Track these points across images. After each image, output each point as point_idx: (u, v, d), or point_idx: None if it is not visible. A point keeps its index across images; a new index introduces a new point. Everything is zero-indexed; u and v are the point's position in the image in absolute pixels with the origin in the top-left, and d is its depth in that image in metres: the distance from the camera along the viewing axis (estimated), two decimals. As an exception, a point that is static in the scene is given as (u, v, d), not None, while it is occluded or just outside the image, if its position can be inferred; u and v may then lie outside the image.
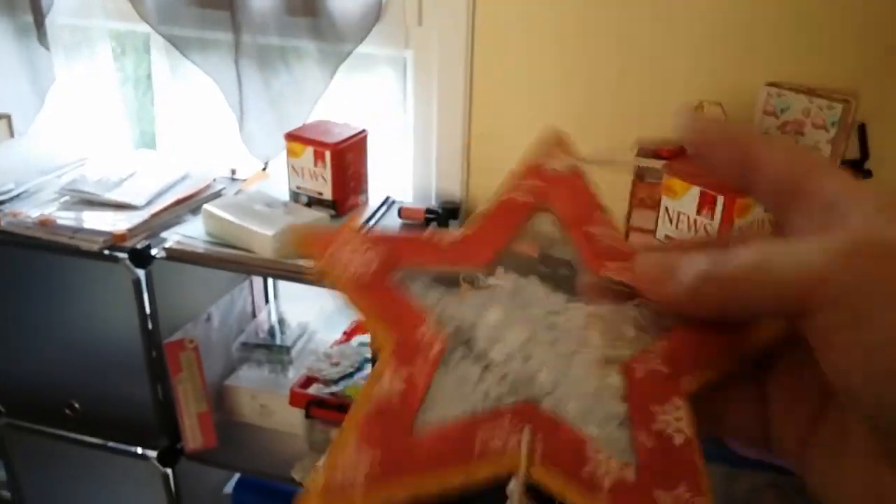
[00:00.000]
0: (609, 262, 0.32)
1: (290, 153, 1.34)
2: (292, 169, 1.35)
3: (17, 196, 1.38)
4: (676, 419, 0.28)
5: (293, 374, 1.45)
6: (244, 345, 1.50)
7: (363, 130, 1.37)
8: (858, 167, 1.19)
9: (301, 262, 1.22)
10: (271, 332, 1.54)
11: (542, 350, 0.30)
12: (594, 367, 0.30)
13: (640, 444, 0.27)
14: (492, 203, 0.35)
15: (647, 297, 0.29)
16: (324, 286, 0.32)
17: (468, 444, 0.28)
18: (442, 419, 0.28)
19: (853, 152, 1.21)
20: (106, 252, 1.26)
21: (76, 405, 1.45)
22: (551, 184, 0.35)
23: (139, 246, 1.25)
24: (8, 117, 1.54)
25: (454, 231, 0.33)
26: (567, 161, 0.35)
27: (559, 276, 0.33)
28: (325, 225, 0.37)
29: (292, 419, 1.40)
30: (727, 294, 0.25)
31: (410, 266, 0.32)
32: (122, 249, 1.26)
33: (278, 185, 1.41)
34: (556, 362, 0.30)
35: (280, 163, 1.41)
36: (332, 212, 1.32)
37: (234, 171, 1.52)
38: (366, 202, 1.41)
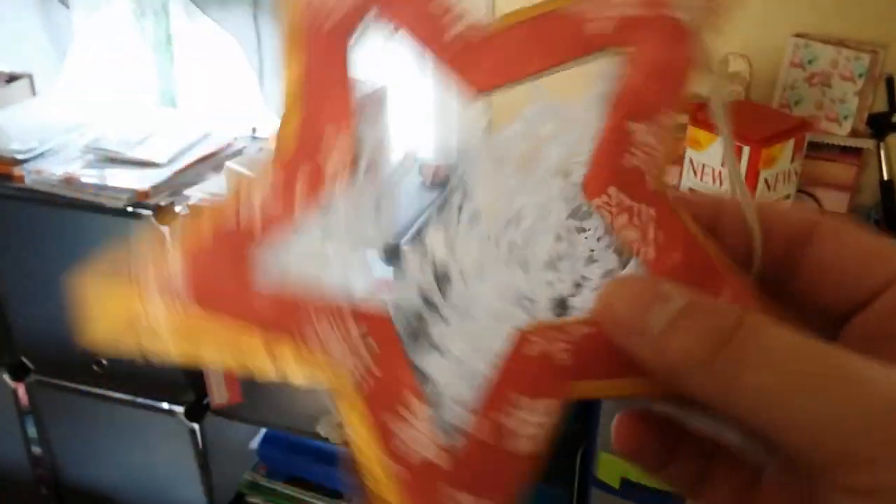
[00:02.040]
0: (616, 186, 0.24)
1: (311, 110, 1.34)
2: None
3: (41, 154, 1.38)
4: (538, 425, 0.22)
5: (316, 331, 1.47)
6: (267, 302, 1.51)
7: (382, 86, 1.36)
8: (886, 120, 1.17)
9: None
10: (294, 290, 1.56)
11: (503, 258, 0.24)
12: (499, 309, 0.23)
13: (476, 431, 0.22)
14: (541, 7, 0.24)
15: (616, 340, 0.21)
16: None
17: (297, 324, 0.22)
18: (285, 276, 0.23)
19: (881, 104, 1.19)
20: (130, 209, 1.27)
21: (104, 361, 1.47)
22: (642, 25, 0.23)
23: (163, 203, 1.26)
24: (30, 76, 1.55)
25: (479, 21, 0.24)
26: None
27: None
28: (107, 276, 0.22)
29: (316, 375, 1.42)
30: (719, 393, 0.20)
31: (392, 20, 0.24)
32: (146, 206, 1.26)
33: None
34: (473, 264, 0.23)
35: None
36: (354, 169, 1.32)
37: (254, 130, 1.52)
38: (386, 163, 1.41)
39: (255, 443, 1.57)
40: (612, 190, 0.23)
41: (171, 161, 1.35)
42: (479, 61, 0.24)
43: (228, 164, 1.29)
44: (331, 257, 0.24)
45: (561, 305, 0.24)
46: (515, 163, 0.25)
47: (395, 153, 1.20)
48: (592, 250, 0.24)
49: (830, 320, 0.23)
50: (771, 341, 0.19)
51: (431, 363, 0.23)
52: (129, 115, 1.50)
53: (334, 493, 1.52)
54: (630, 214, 0.23)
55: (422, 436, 0.22)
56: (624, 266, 0.24)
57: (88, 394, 1.47)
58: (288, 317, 0.22)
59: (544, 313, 0.23)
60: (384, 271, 0.26)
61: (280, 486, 1.53)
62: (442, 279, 0.24)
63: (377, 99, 1.35)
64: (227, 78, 1.57)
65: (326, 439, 1.34)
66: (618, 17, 0.24)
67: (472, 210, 0.24)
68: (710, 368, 0.19)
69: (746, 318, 0.20)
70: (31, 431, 1.59)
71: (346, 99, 0.24)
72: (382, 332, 0.23)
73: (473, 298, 0.23)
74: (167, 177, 1.31)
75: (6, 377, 1.51)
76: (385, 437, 0.22)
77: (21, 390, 1.54)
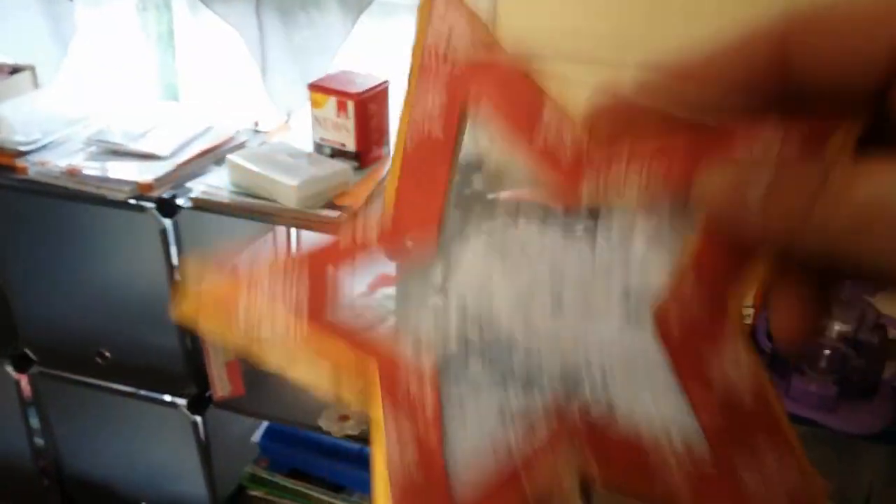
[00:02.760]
0: (587, 172, 0.24)
1: (314, 104, 1.33)
2: (315, 120, 1.34)
3: (44, 146, 1.38)
4: (734, 365, 0.23)
5: (318, 325, 1.47)
6: (269, 295, 1.51)
7: (385, 81, 1.36)
8: None
9: (326, 212, 1.22)
10: (296, 284, 1.56)
11: (549, 333, 0.24)
12: (619, 336, 0.24)
13: (705, 420, 0.23)
14: (398, 148, 0.26)
15: (718, 229, 0.22)
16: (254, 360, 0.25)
17: (520, 498, 0.23)
18: (477, 474, 0.24)
19: None
20: (133, 201, 1.27)
21: (107, 354, 1.48)
22: (471, 74, 0.25)
23: (165, 196, 1.26)
24: (32, 68, 1.54)
25: (375, 217, 0.26)
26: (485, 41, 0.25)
27: (527, 208, 0.25)
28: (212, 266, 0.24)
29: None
30: (826, 249, 0.20)
31: (346, 292, 0.26)
32: (148, 199, 1.27)
33: (301, 138, 1.41)
34: (570, 348, 0.24)
35: (303, 115, 1.41)
36: (356, 164, 1.32)
37: (257, 123, 1.51)
38: (388, 154, 1.41)
39: (256, 436, 1.58)
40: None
41: (173, 154, 1.35)
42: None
43: (230, 157, 1.29)
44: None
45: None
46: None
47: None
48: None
49: None
50: (858, 177, 0.20)
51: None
52: (131, 108, 1.50)
53: (336, 487, 1.52)
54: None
55: (669, 463, 0.22)
56: None
57: (91, 385, 1.48)
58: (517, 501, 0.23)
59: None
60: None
61: (281, 479, 1.54)
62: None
63: (381, 93, 1.35)
64: (229, 71, 1.57)
65: (328, 433, 1.34)
66: (445, 86, 0.25)
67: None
68: (809, 226, 0.20)
69: (830, 169, 0.20)
70: (34, 423, 1.59)
71: (378, 342, 0.25)
72: (575, 431, 0.23)
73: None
74: (169, 169, 1.31)
75: (9, 368, 1.51)
76: (646, 490, 0.23)
77: (24, 382, 1.55)
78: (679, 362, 0.23)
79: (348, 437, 1.34)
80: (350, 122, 1.31)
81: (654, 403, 0.23)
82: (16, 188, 1.33)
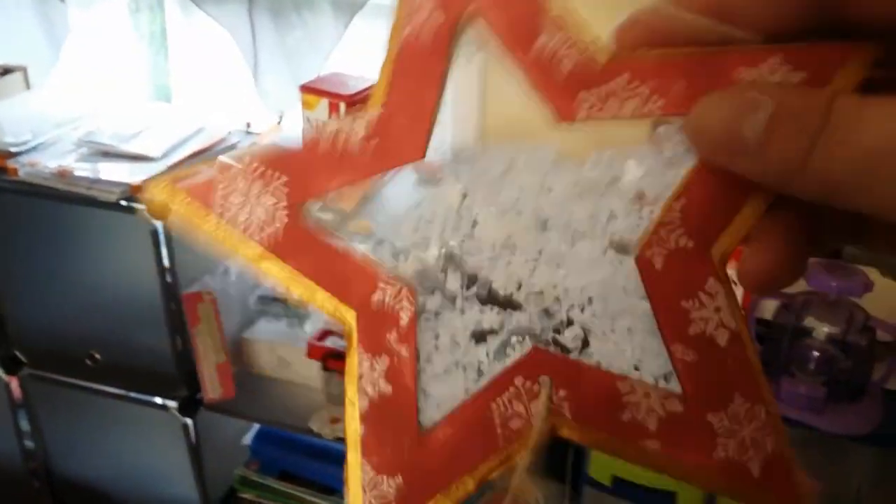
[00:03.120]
0: (584, 88, 0.24)
1: (305, 105, 1.33)
2: (307, 121, 1.34)
3: (35, 147, 1.38)
4: (716, 310, 0.22)
5: (310, 328, 1.47)
6: (262, 298, 1.51)
7: (378, 83, 1.36)
8: None
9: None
10: (288, 286, 1.56)
11: (531, 249, 0.24)
12: (599, 262, 0.23)
13: (679, 360, 0.23)
14: (390, 49, 0.25)
15: (713, 163, 0.21)
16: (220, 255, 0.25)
17: (489, 432, 0.23)
18: (448, 409, 0.24)
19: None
20: (123, 203, 1.26)
21: (97, 356, 1.47)
22: None
23: (156, 198, 1.26)
24: (24, 69, 1.54)
25: (361, 116, 0.25)
26: None
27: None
28: (190, 169, 0.24)
29: (309, 371, 1.42)
30: (823, 189, 0.20)
31: (325, 196, 0.25)
32: (139, 201, 1.26)
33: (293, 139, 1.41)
34: (550, 267, 0.24)
35: (294, 116, 1.41)
36: (348, 165, 1.32)
37: (248, 125, 1.51)
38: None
39: (247, 438, 1.57)
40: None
41: (164, 155, 1.35)
42: (394, 139, 0.24)
43: (222, 158, 1.29)
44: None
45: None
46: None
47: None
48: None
49: None
50: (864, 119, 0.19)
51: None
52: (123, 109, 1.50)
53: (327, 489, 1.52)
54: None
55: (641, 405, 0.22)
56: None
57: (81, 388, 1.47)
58: (486, 437, 0.23)
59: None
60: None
61: (272, 482, 1.53)
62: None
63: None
64: (221, 73, 1.57)
65: (319, 435, 1.34)
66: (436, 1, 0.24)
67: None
68: (808, 166, 0.19)
69: (835, 105, 0.19)
70: (24, 425, 1.59)
71: (353, 260, 0.25)
72: (550, 365, 0.23)
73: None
74: (161, 171, 1.30)
75: (-1, 371, 1.51)
76: (614, 431, 0.23)
77: (14, 384, 1.54)
78: (657, 295, 0.23)
79: (339, 439, 1.34)
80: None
81: (629, 335, 0.23)
82: (6, 189, 1.33)
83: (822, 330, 1.00)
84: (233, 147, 1.41)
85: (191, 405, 1.41)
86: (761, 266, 0.23)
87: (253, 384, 1.45)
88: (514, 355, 0.24)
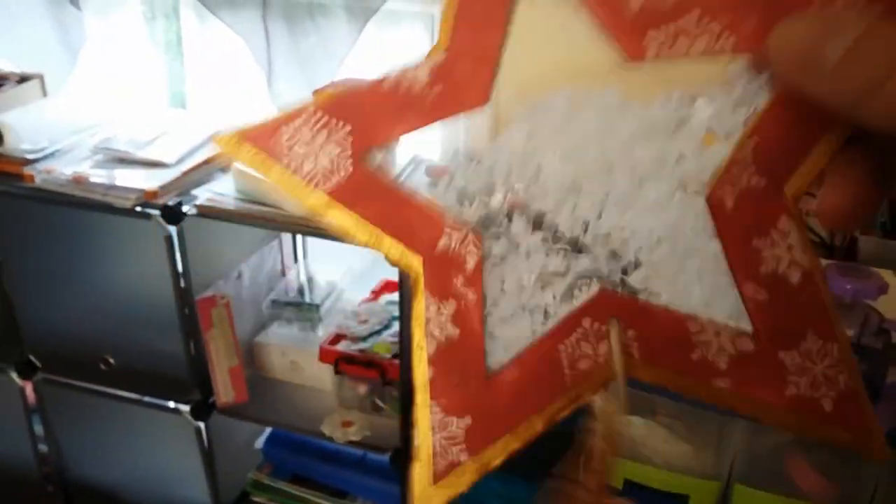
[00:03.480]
0: (653, 27, 0.23)
1: (319, 111, 1.35)
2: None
3: (51, 154, 1.39)
4: (788, 248, 0.22)
5: (322, 332, 1.47)
6: (274, 302, 1.51)
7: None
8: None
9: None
10: (301, 291, 1.56)
11: (597, 192, 0.24)
12: (668, 203, 0.23)
13: (751, 300, 0.22)
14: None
15: (788, 82, 0.21)
16: (290, 204, 0.25)
17: (557, 374, 0.23)
18: (515, 351, 0.24)
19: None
20: (138, 209, 1.27)
21: (111, 360, 1.48)
22: None
23: (171, 203, 1.27)
24: (41, 77, 1.56)
25: (424, 63, 0.25)
26: None
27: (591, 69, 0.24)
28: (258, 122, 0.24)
29: (322, 375, 1.42)
30: None
31: (390, 141, 0.25)
32: (154, 206, 1.27)
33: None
34: (617, 209, 0.23)
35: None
36: (361, 170, 1.33)
37: (262, 131, 1.53)
38: (393, 161, 1.41)
39: (260, 442, 1.58)
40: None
41: (179, 161, 1.36)
42: (458, 83, 0.24)
43: (236, 164, 1.30)
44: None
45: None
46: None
47: (403, 153, 1.19)
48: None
49: None
50: None
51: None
52: (138, 116, 1.51)
53: (339, 493, 1.52)
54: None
55: (712, 344, 0.22)
56: None
57: (95, 392, 1.48)
58: (554, 378, 0.23)
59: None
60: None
61: (285, 486, 1.54)
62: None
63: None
64: (236, 79, 1.58)
65: (331, 439, 1.34)
66: None
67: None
68: (884, 89, 0.19)
69: None
70: (38, 429, 1.59)
71: (420, 206, 0.24)
72: (619, 307, 0.23)
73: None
74: (176, 176, 1.32)
75: (13, 375, 1.52)
76: (685, 370, 0.22)
77: (28, 388, 1.55)
78: (729, 234, 0.22)
79: (351, 443, 1.34)
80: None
81: (698, 276, 0.23)
82: (22, 196, 1.34)
83: (836, 333, 1.00)
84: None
85: (204, 409, 1.41)
86: (838, 203, 0.22)
87: (265, 388, 1.46)
88: (582, 298, 0.23)
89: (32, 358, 1.51)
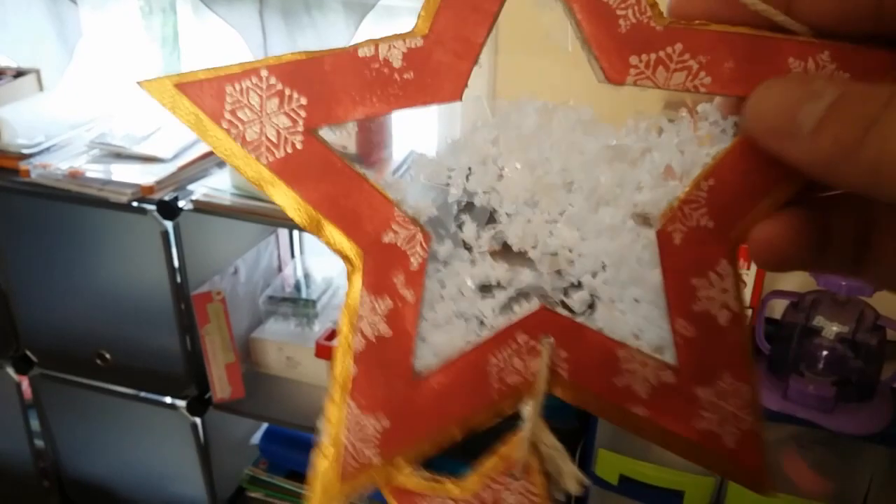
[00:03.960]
0: (636, 53, 0.23)
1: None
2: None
3: (47, 149, 1.39)
4: (722, 291, 0.23)
5: (318, 328, 1.47)
6: (270, 298, 1.51)
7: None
8: None
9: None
10: (297, 286, 1.56)
11: (553, 208, 0.24)
12: (619, 230, 0.24)
13: (679, 334, 0.23)
14: None
15: (765, 147, 0.22)
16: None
17: (484, 385, 0.23)
18: (445, 358, 0.23)
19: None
20: (134, 204, 1.27)
21: (107, 355, 1.48)
22: None
23: (167, 198, 1.27)
24: (37, 72, 1.56)
25: (397, 45, 0.24)
26: None
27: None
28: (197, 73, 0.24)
29: (318, 371, 1.42)
30: (871, 175, 0.20)
31: (346, 121, 0.24)
32: (150, 202, 1.27)
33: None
34: (569, 229, 0.24)
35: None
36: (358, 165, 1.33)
37: (259, 126, 1.52)
38: (390, 157, 1.41)
39: (256, 438, 1.58)
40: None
41: (175, 156, 1.36)
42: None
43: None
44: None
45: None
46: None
47: (400, 150, 1.19)
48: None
49: None
50: None
51: None
52: (134, 111, 1.51)
53: (335, 489, 1.52)
54: None
55: (637, 373, 0.23)
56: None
57: (91, 387, 1.48)
58: (479, 387, 0.23)
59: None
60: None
61: (281, 481, 1.54)
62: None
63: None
64: (232, 74, 1.58)
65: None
66: None
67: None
68: (860, 152, 0.19)
69: (894, 100, 0.20)
70: (34, 425, 1.59)
71: (370, 193, 0.24)
72: (553, 325, 0.23)
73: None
74: (172, 172, 1.32)
75: (10, 370, 1.52)
76: (607, 394, 0.23)
77: (24, 384, 1.55)
78: (671, 270, 0.23)
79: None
80: (351, 125, 1.32)
81: (634, 305, 0.23)
82: (18, 191, 1.34)
83: (832, 329, 1.00)
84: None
85: (200, 405, 1.41)
86: (773, 236, 0.23)
87: (262, 384, 1.46)
88: (520, 312, 0.23)
89: (28, 353, 1.51)
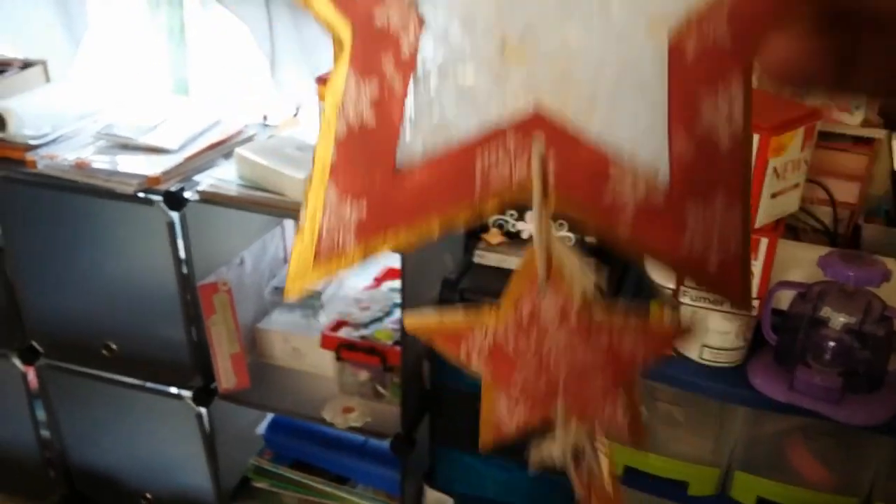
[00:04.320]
0: None
1: (322, 97, 1.34)
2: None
3: (54, 140, 1.39)
4: (728, 115, 0.22)
5: (324, 319, 1.47)
6: (276, 289, 1.52)
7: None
8: (898, 111, 1.16)
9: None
10: (302, 278, 1.56)
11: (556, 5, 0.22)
12: (632, 35, 0.22)
13: (677, 152, 0.22)
14: None
15: None
16: None
17: (467, 184, 0.23)
18: (431, 152, 0.23)
19: (893, 96, 1.18)
20: (140, 195, 1.28)
21: (113, 346, 1.48)
22: None
23: (173, 189, 1.27)
24: (44, 63, 1.56)
25: None
26: None
27: None
28: None
29: (323, 362, 1.42)
30: None
31: None
32: (156, 192, 1.27)
33: (309, 131, 1.42)
34: (575, 28, 0.22)
35: (311, 109, 1.42)
36: (363, 157, 1.33)
37: (265, 117, 1.52)
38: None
39: (261, 428, 1.58)
40: None
41: (181, 147, 1.36)
42: None
43: (238, 150, 1.30)
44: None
45: None
46: None
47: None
48: None
49: None
50: None
51: None
52: (141, 102, 1.51)
53: (339, 479, 1.52)
54: None
55: (626, 186, 0.22)
56: None
57: (97, 378, 1.49)
58: (463, 180, 0.22)
59: None
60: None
61: (286, 471, 1.54)
62: None
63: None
64: (239, 66, 1.58)
65: (332, 424, 1.34)
66: None
67: None
68: None
69: None
70: (41, 415, 1.60)
71: None
72: (546, 127, 0.22)
73: None
74: (178, 162, 1.32)
75: (16, 360, 1.52)
76: (594, 205, 0.22)
77: (31, 374, 1.56)
78: (678, 86, 0.22)
79: (352, 429, 1.35)
80: None
81: (635, 117, 0.22)
82: (25, 182, 1.34)
83: (839, 320, 1.00)
84: (249, 139, 1.42)
85: (205, 395, 1.42)
86: (786, 50, 0.21)
87: (267, 374, 1.46)
88: (512, 110, 0.22)
89: (35, 343, 1.51)
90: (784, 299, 1.06)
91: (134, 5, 1.60)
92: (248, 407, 1.44)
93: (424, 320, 0.24)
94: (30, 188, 1.37)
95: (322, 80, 1.32)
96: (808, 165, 1.07)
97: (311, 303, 1.51)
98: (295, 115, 1.50)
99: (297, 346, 1.46)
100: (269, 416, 1.59)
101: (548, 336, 0.23)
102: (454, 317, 0.24)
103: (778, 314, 1.06)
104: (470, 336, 0.24)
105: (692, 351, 1.09)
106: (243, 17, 1.46)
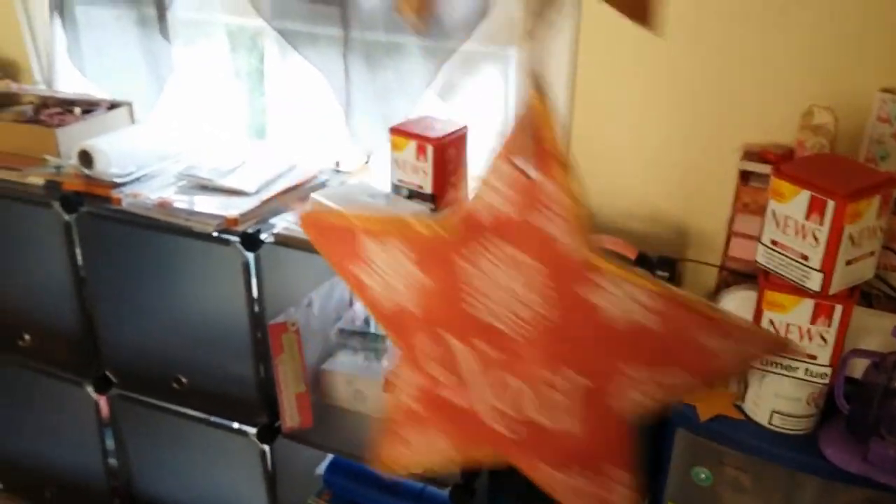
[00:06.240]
0: None
1: (393, 147, 1.38)
2: (394, 162, 1.38)
3: (138, 179, 1.46)
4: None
5: (387, 362, 1.49)
6: (342, 331, 1.54)
7: (464, 126, 1.39)
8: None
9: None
10: (367, 321, 1.59)
11: None
12: None
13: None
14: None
15: None
16: None
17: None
18: None
19: (974, 162, 1.16)
20: (218, 235, 1.32)
21: (183, 379, 1.53)
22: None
23: (250, 230, 1.31)
24: (129, 104, 1.63)
25: None
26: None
27: None
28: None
29: (385, 405, 1.44)
30: None
31: None
32: (233, 233, 1.32)
33: (380, 179, 1.45)
34: None
35: (382, 157, 1.45)
36: (432, 205, 1.36)
37: (337, 163, 1.57)
38: (465, 197, 1.44)
39: (321, 468, 1.60)
40: None
41: (258, 190, 1.41)
42: None
43: (313, 195, 1.34)
44: None
45: None
46: None
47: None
48: None
49: None
50: None
51: None
52: (220, 146, 1.57)
53: (397, 524, 1.53)
54: None
55: None
56: None
57: (166, 410, 1.53)
58: None
59: None
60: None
61: (344, 513, 1.55)
62: None
63: (459, 138, 1.39)
64: (314, 113, 1.63)
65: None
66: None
67: None
68: None
69: None
70: (110, 443, 1.65)
71: None
72: None
73: None
74: (255, 205, 1.36)
75: (89, 389, 1.58)
76: None
77: (103, 402, 1.61)
78: None
79: (410, 474, 1.35)
80: (428, 166, 1.35)
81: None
82: (109, 217, 1.40)
83: (914, 392, 0.98)
84: (323, 185, 1.46)
85: (269, 432, 1.44)
86: None
87: (329, 415, 1.48)
88: None
89: (109, 374, 1.56)
90: (858, 367, 1.04)
91: (216, 52, 1.67)
92: (310, 447, 1.46)
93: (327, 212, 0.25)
94: (113, 224, 1.43)
95: (394, 131, 1.36)
96: (884, 232, 1.06)
97: (375, 346, 1.53)
98: (366, 162, 1.55)
99: (360, 388, 1.48)
100: (330, 457, 1.61)
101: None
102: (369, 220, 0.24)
103: (851, 382, 1.05)
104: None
105: (761, 416, 1.08)
106: (320, 65, 1.52)
